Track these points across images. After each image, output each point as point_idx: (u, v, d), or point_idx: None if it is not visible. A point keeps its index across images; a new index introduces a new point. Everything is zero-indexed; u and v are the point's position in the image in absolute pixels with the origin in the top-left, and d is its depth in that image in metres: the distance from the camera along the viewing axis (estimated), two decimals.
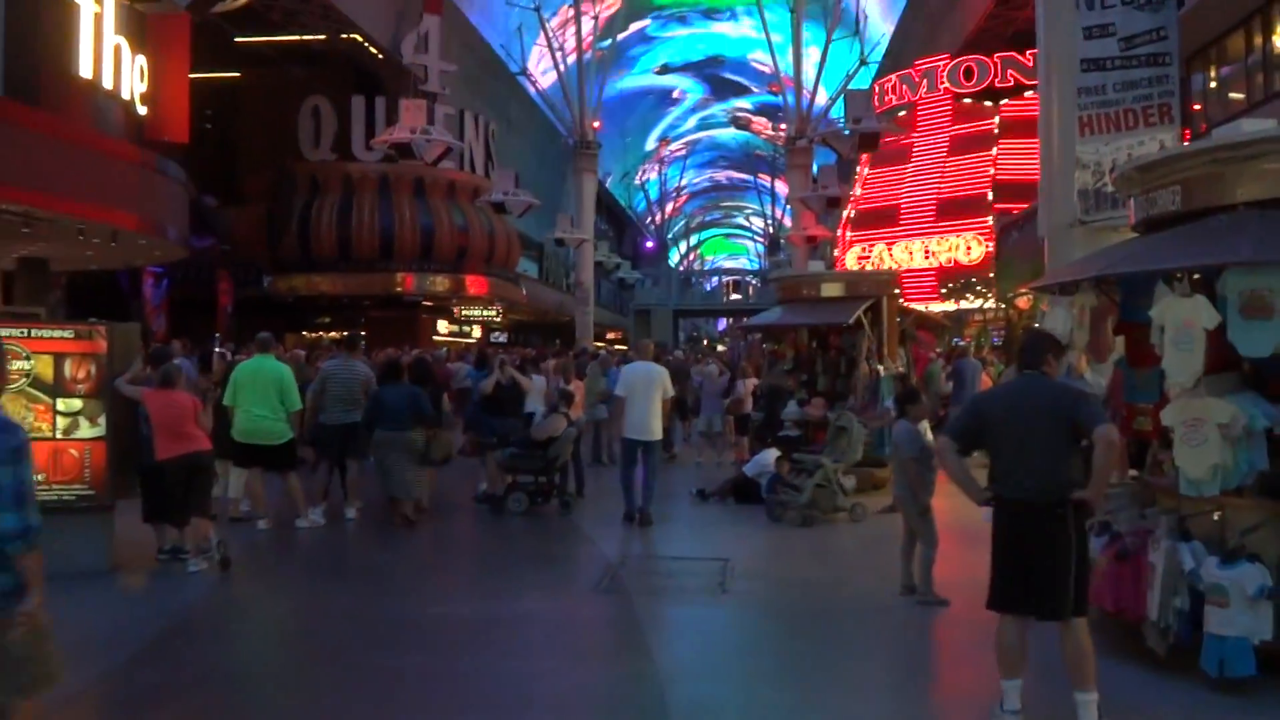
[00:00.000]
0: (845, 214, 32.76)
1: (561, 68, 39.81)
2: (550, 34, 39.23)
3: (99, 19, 17.54)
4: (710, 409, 16.27)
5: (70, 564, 7.77)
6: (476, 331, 40.55)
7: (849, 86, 34.18)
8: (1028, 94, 27.13)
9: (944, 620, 7.32)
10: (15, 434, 3.83)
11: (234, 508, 10.54)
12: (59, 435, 7.90)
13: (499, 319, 41.45)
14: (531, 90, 42.61)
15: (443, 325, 38.01)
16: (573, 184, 42.46)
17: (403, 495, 10.54)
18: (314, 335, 31.81)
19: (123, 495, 8.39)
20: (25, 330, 7.92)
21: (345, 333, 16.64)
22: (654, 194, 79.49)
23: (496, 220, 33.76)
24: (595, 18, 40.20)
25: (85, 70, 17.35)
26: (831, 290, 14.00)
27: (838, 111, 36.96)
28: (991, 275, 26.50)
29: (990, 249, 27.22)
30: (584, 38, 39.59)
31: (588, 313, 38.85)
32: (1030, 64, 27.04)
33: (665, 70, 59.99)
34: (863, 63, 36.83)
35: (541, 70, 42.08)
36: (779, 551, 9.94)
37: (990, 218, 27.76)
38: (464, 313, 38.84)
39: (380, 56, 32.82)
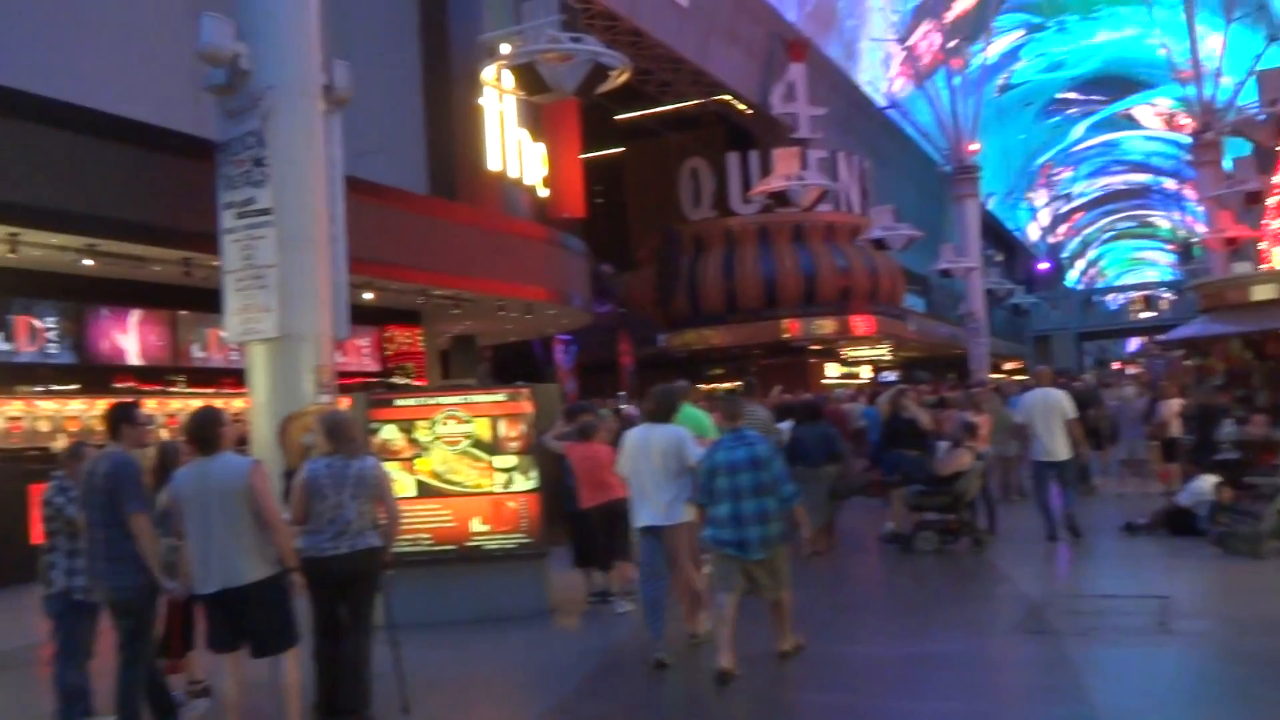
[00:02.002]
0: (1273, 205, 29.17)
1: (931, 93, 38.96)
2: (916, 60, 38.56)
3: (502, 116, 19.49)
4: (1130, 435, 15.01)
5: (513, 607, 8.54)
6: (866, 372, 40.18)
7: (1258, 68, 30.63)
8: None
9: None
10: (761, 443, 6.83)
11: None
12: (499, 489, 8.71)
13: (888, 357, 40.82)
14: (902, 121, 42.00)
15: (832, 368, 38.03)
16: (954, 211, 41.18)
17: (817, 522, 10.60)
18: (708, 387, 32.98)
19: (555, 543, 9.07)
20: (463, 397, 8.87)
21: (739, 382, 17.09)
22: (1044, 211, 75.23)
23: (878, 257, 33.43)
24: (952, 34, 38.97)
25: (494, 163, 19.32)
26: (1265, 293, 12.50)
27: (1246, 97, 33.24)
28: None
29: None
30: (950, 59, 38.51)
31: (981, 343, 37.31)
32: None
33: (1045, 78, 56.95)
34: (1273, 39, 32.91)
35: (910, 99, 41.43)
36: (1228, 587, 8.89)
37: None
38: (851, 353, 38.64)
39: (750, 112, 33.79)
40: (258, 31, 9.86)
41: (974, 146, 39.28)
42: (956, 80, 38.82)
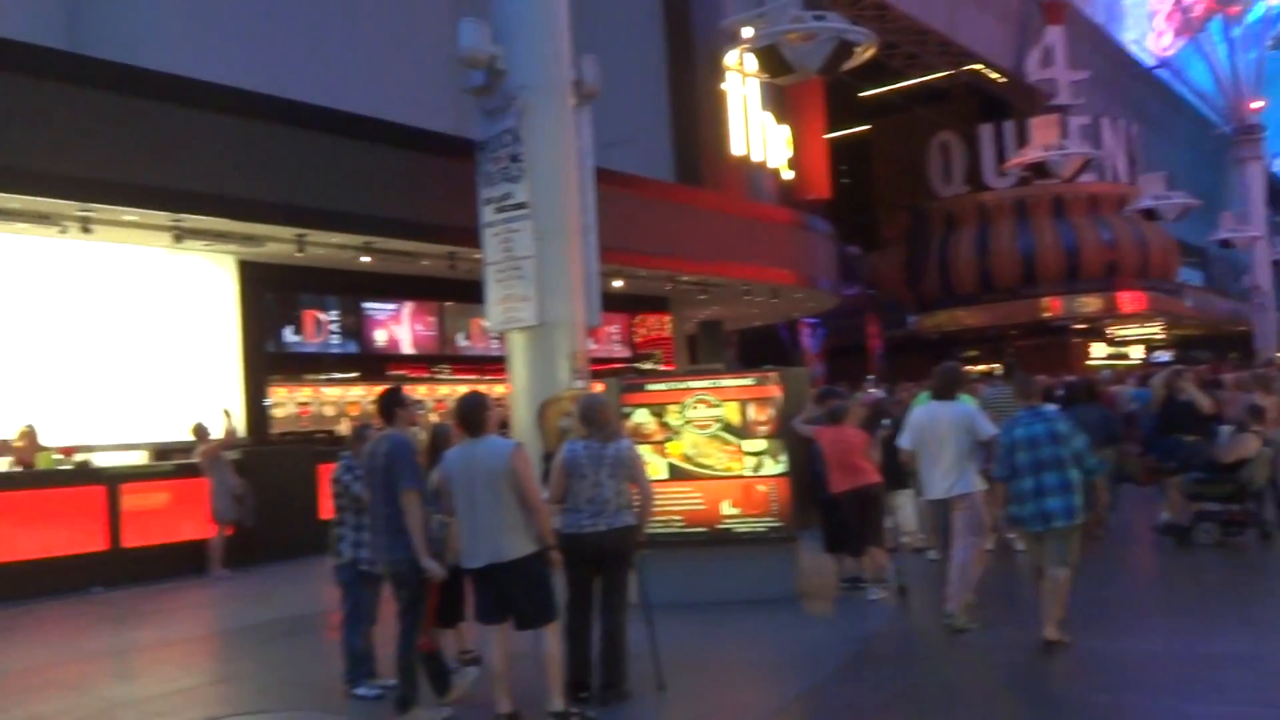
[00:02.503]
0: None
1: (1206, 49, 35.87)
2: (1186, 13, 35.61)
3: (745, 100, 19.47)
4: None
5: (763, 590, 8.55)
6: (1136, 352, 37.61)
7: None
8: None
9: None
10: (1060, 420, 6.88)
11: (914, 539, 10.75)
12: (749, 473, 8.74)
13: (1160, 335, 38.05)
14: (1174, 81, 38.90)
15: (1098, 348, 35.82)
16: (1234, 176, 37.80)
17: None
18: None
19: (804, 527, 9.01)
20: (712, 381, 8.95)
21: (995, 365, 16.39)
22: None
23: (1148, 228, 31.16)
24: None
25: (738, 148, 19.34)
26: None
27: None
28: None
29: None
30: (1226, 8, 35.29)
31: (1269, 319, 34.13)
32: None
33: None
34: None
35: (1182, 56, 38.30)
36: None
37: None
38: (1120, 332, 36.26)
39: (1004, 80, 32.26)
40: (511, 33, 10.28)
41: (1257, 104, 35.86)
42: (1235, 32, 35.51)
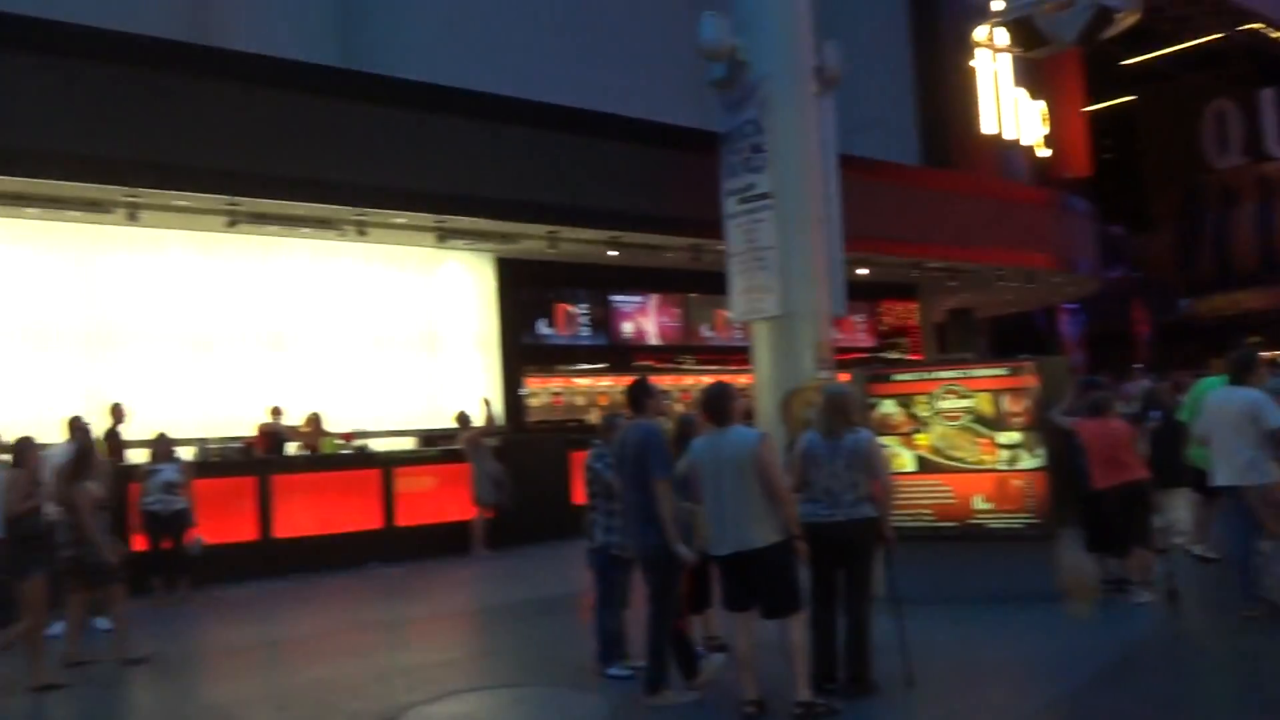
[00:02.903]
0: None
1: None
2: None
3: (996, 77, 18.67)
4: None
5: (1018, 588, 8.20)
6: None
7: None
8: None
9: None
10: None
11: (1188, 539, 10.03)
12: (1003, 466, 8.41)
13: None
14: None
15: None
16: None
17: None
18: None
19: (1064, 524, 8.57)
20: (962, 371, 8.66)
21: None
22: None
23: None
24: None
25: (989, 127, 18.57)
26: None
27: None
28: None
29: None
30: None
31: None
32: None
33: None
34: None
35: None
36: None
37: None
38: None
39: None
40: (751, 24, 10.27)
41: None
42: None
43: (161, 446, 10.34)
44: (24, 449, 7.41)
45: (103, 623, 8.87)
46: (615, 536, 6.55)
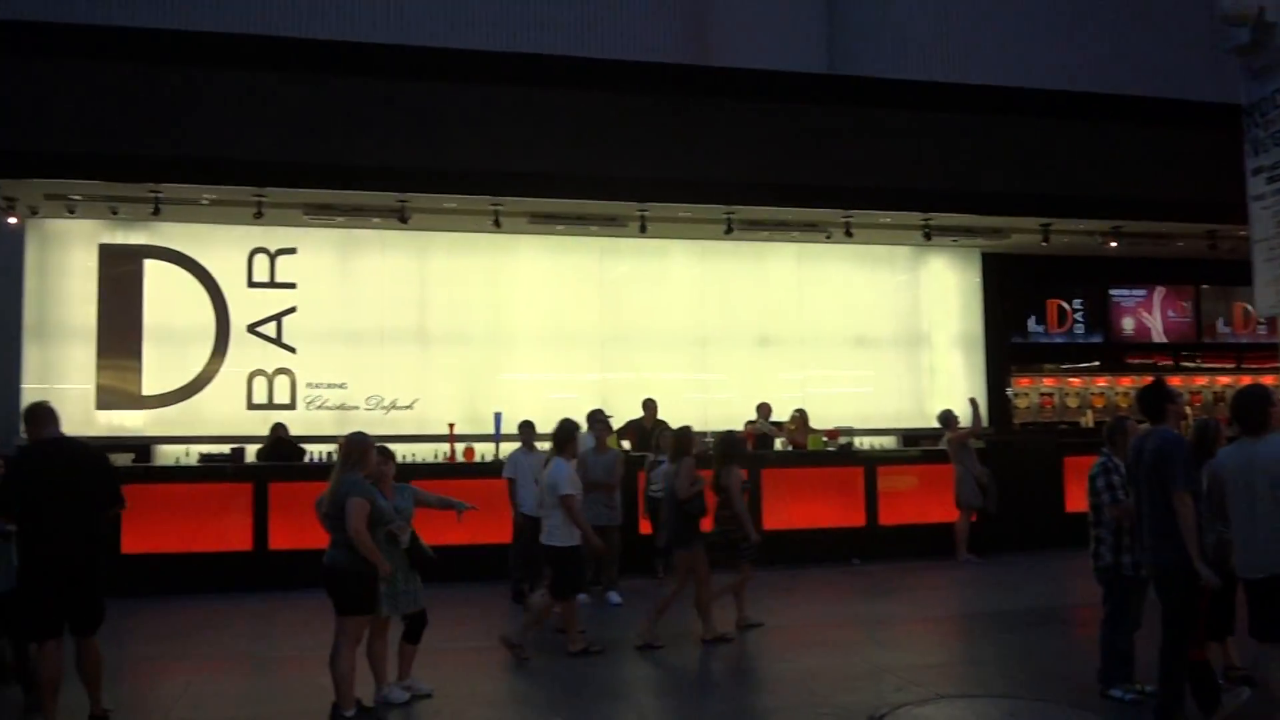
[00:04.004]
0: None
1: None
2: None
3: None
4: None
5: None
6: None
7: None
8: None
9: None
10: None
11: None
12: None
13: None
14: None
15: None
16: None
17: None
18: None
19: None
20: None
21: None
22: None
23: None
24: None
25: None
26: None
27: None
28: None
29: None
30: None
31: None
32: None
33: None
34: None
35: None
36: None
37: None
38: None
39: None
40: None
41: None
42: None
43: (666, 439, 11.14)
44: (682, 438, 8.55)
45: (614, 597, 9.88)
46: (1126, 557, 6.11)
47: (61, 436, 6.07)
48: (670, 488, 8.45)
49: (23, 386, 12.19)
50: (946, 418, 12.52)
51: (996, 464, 12.38)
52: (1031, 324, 15.21)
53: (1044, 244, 13.44)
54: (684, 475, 8.24)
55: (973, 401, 12.80)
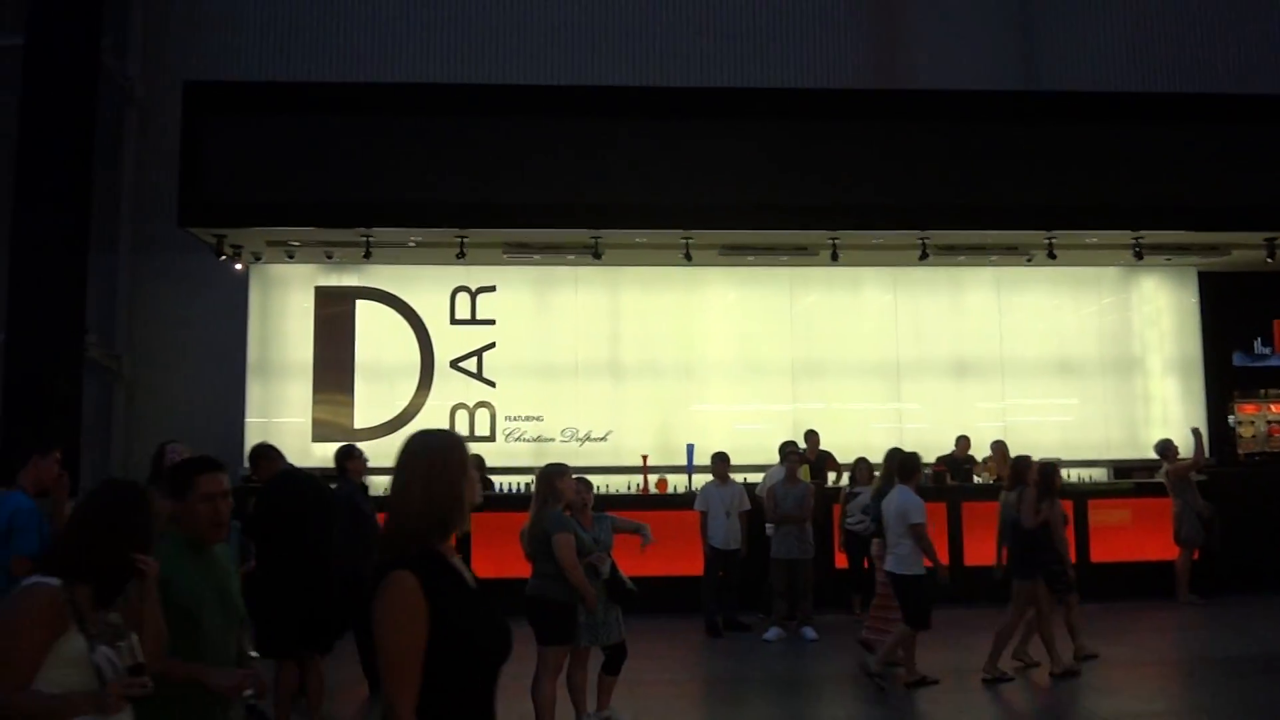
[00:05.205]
0: None
1: None
2: None
3: None
4: None
5: None
6: None
7: None
8: None
9: None
10: None
11: None
12: None
13: None
14: None
15: None
16: None
17: None
18: None
19: None
20: None
21: None
22: None
23: None
24: None
25: None
26: None
27: None
28: None
29: None
30: None
31: None
32: None
33: None
34: None
35: None
36: None
37: None
38: None
39: None
40: None
41: None
42: None
43: (862, 470, 10.98)
44: (1046, 471, 8.45)
45: (810, 633, 9.75)
46: None
47: (298, 470, 6.58)
48: (1013, 517, 8.42)
49: (246, 421, 13.03)
50: (1165, 448, 11.78)
51: (1220, 497, 11.58)
52: (1258, 346, 14.15)
53: (1269, 260, 12.50)
54: (1028, 505, 8.24)
55: (1195, 432, 12.01)
